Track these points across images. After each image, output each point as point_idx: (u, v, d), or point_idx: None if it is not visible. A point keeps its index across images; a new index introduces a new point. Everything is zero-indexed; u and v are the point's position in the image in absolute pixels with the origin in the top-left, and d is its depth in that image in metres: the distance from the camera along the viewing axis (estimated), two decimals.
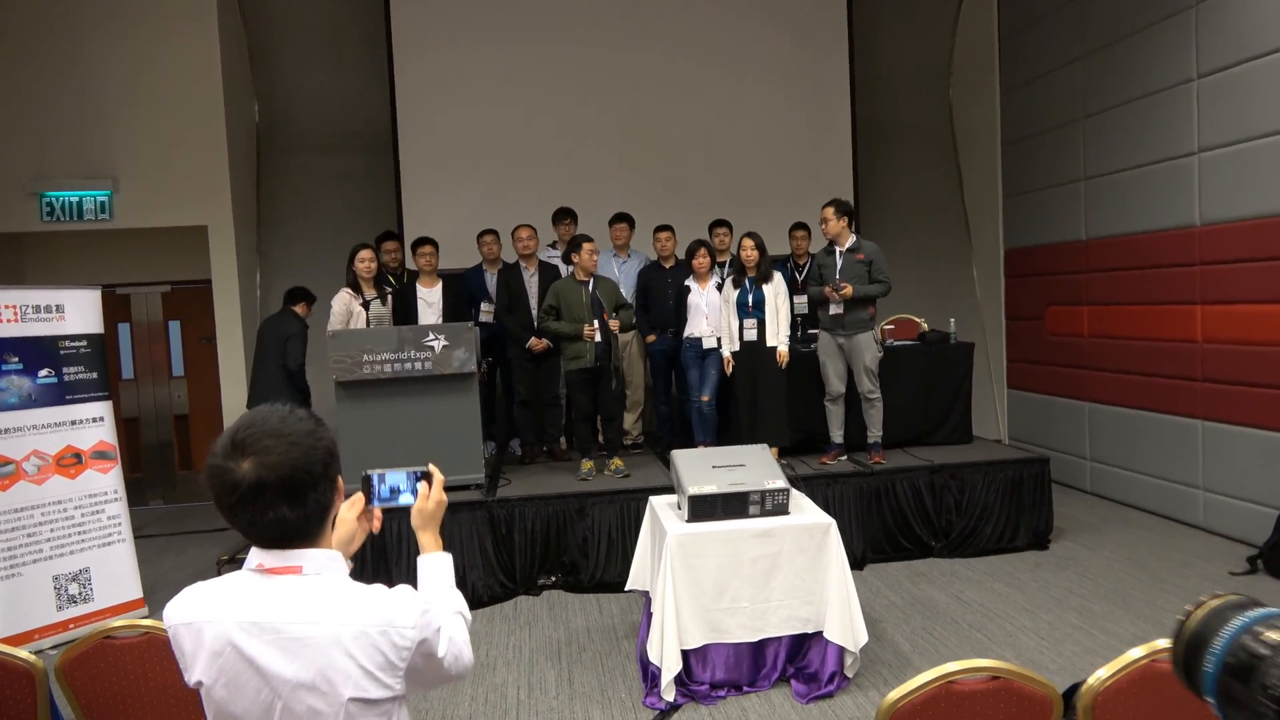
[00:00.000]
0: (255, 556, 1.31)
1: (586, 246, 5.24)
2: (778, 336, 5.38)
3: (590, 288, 5.26)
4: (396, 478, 1.51)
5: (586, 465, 5.36)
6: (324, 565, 1.31)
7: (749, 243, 5.39)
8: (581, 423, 5.41)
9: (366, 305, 5.33)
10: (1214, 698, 0.69)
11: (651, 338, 6.06)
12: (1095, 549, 5.41)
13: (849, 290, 5.24)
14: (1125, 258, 6.18)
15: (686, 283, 5.71)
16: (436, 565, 1.52)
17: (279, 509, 1.24)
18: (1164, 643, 1.83)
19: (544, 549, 4.99)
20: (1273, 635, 0.67)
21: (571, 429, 5.94)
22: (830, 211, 5.35)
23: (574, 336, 5.19)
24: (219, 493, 1.24)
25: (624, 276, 6.20)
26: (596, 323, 5.16)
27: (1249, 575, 4.77)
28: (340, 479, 1.34)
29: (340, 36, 7.57)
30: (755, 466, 3.82)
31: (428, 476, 1.54)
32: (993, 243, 7.89)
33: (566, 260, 5.46)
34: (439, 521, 1.55)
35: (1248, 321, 5.18)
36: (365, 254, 5.40)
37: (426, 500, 1.53)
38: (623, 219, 6.34)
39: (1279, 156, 4.89)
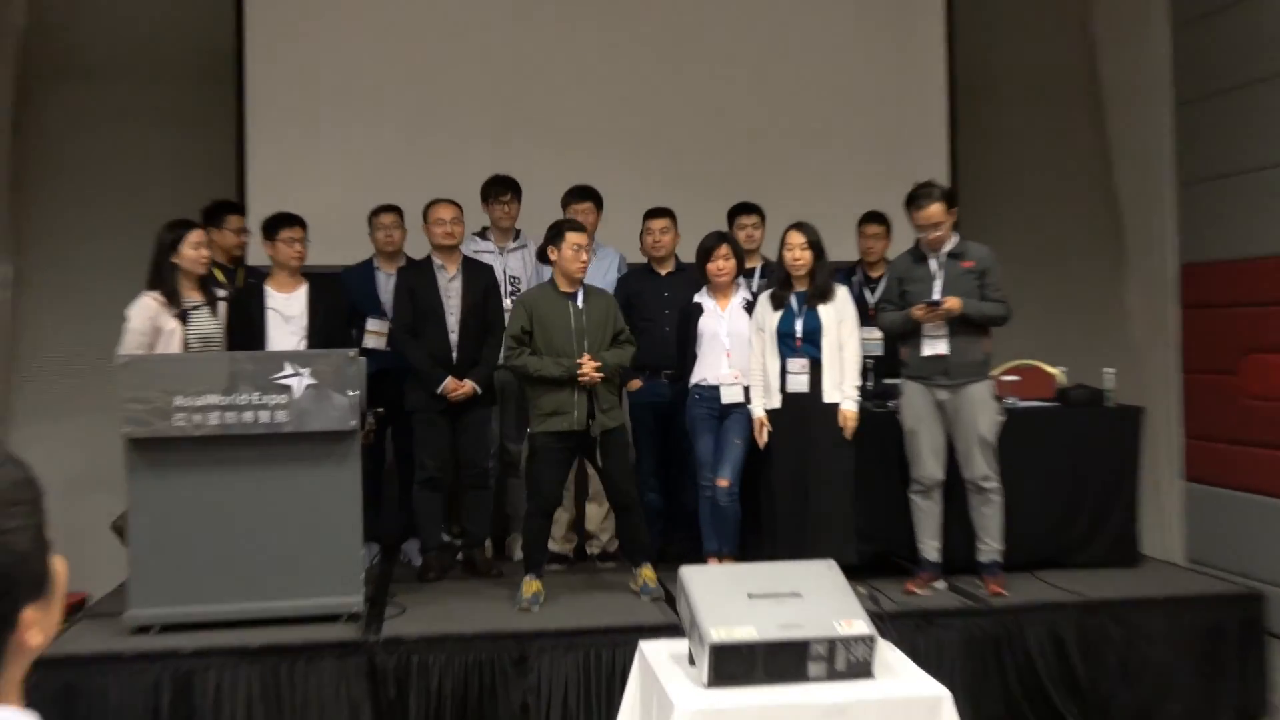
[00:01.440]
0: None
1: (572, 238, 5.40)
2: (841, 387, 5.42)
3: (579, 303, 5.40)
4: None
5: (532, 587, 5.39)
6: None
7: (797, 239, 5.44)
8: (539, 519, 5.54)
9: (184, 317, 5.32)
10: None
11: (635, 384, 6.10)
12: None
13: (955, 304, 5.30)
14: None
15: (697, 298, 5.77)
16: None
17: None
18: None
19: None
20: None
21: (507, 526, 6.24)
22: (938, 208, 5.45)
23: (561, 380, 5.29)
24: None
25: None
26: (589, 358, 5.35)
27: None
28: (40, 598, 1.22)
29: None
30: (818, 597, 3.70)
31: None
32: (1159, 254, 7.76)
33: (543, 259, 5.67)
34: None
35: None
36: (196, 237, 5.41)
37: None
38: (586, 195, 6.40)
39: None
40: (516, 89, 7.45)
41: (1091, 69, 8.27)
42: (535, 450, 5.55)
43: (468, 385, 5.82)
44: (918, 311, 5.36)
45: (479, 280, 6.01)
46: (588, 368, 5.27)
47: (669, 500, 6.31)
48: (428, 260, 6.05)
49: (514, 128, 7.37)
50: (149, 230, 5.57)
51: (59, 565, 1.26)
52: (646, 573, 5.51)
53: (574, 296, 5.43)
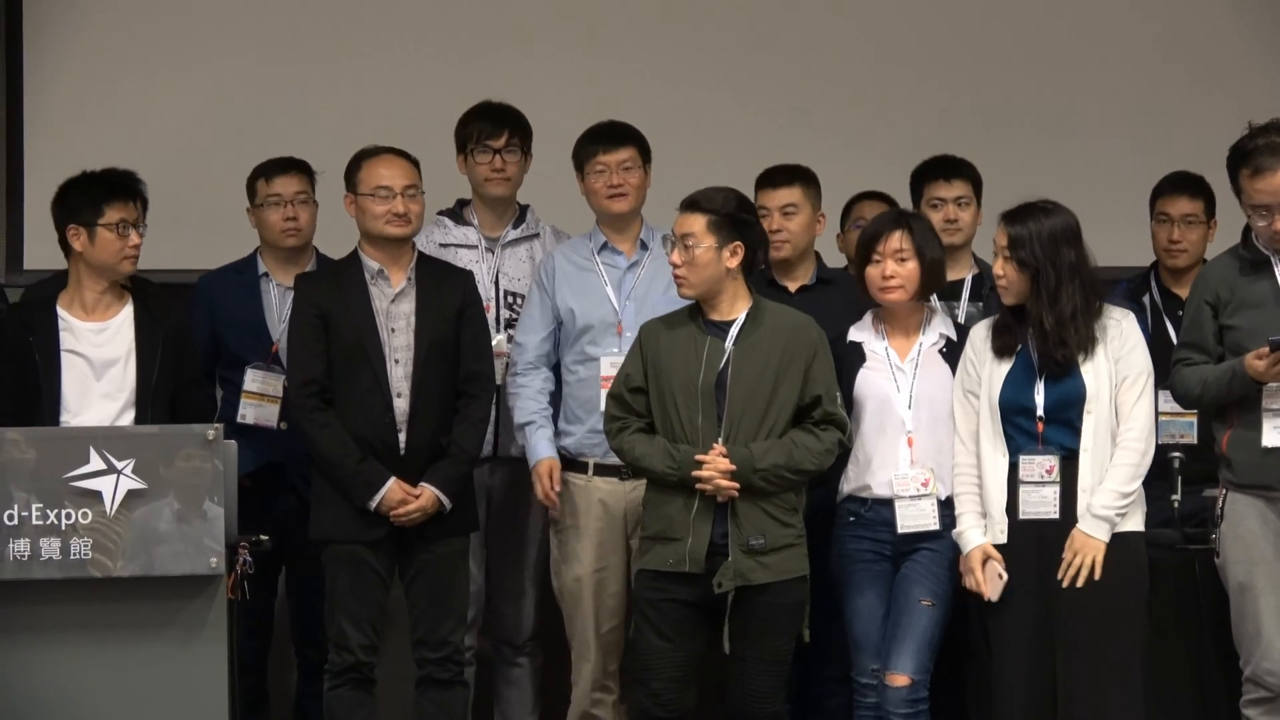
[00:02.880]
0: None
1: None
2: (1098, 493, 4.97)
3: (730, 340, 5.01)
4: None
5: None
6: None
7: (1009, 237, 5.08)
8: None
9: None
10: None
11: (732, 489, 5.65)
12: None
13: None
14: None
15: (853, 335, 5.44)
16: None
17: None
18: None
19: None
20: None
21: None
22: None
23: (668, 481, 4.96)
24: None
25: (632, 306, 6.04)
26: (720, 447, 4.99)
27: None
28: None
29: None
30: None
31: None
32: None
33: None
34: None
35: None
36: None
37: None
38: (623, 138, 6.11)
39: None
40: None
41: None
42: (636, 604, 5.23)
43: (426, 494, 5.31)
44: (1257, 361, 4.74)
45: (446, 295, 5.57)
46: (712, 467, 4.77)
47: (798, 708, 5.84)
48: (354, 261, 5.62)
49: (484, 35, 7.49)
50: None
51: None
52: None
53: (723, 329, 4.98)
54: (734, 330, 4.98)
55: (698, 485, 4.83)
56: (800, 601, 5.05)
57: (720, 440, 4.89)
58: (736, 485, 4.83)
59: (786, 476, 4.97)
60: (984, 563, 4.91)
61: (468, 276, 5.73)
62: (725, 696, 5.25)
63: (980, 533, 4.94)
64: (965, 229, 5.94)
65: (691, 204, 5.08)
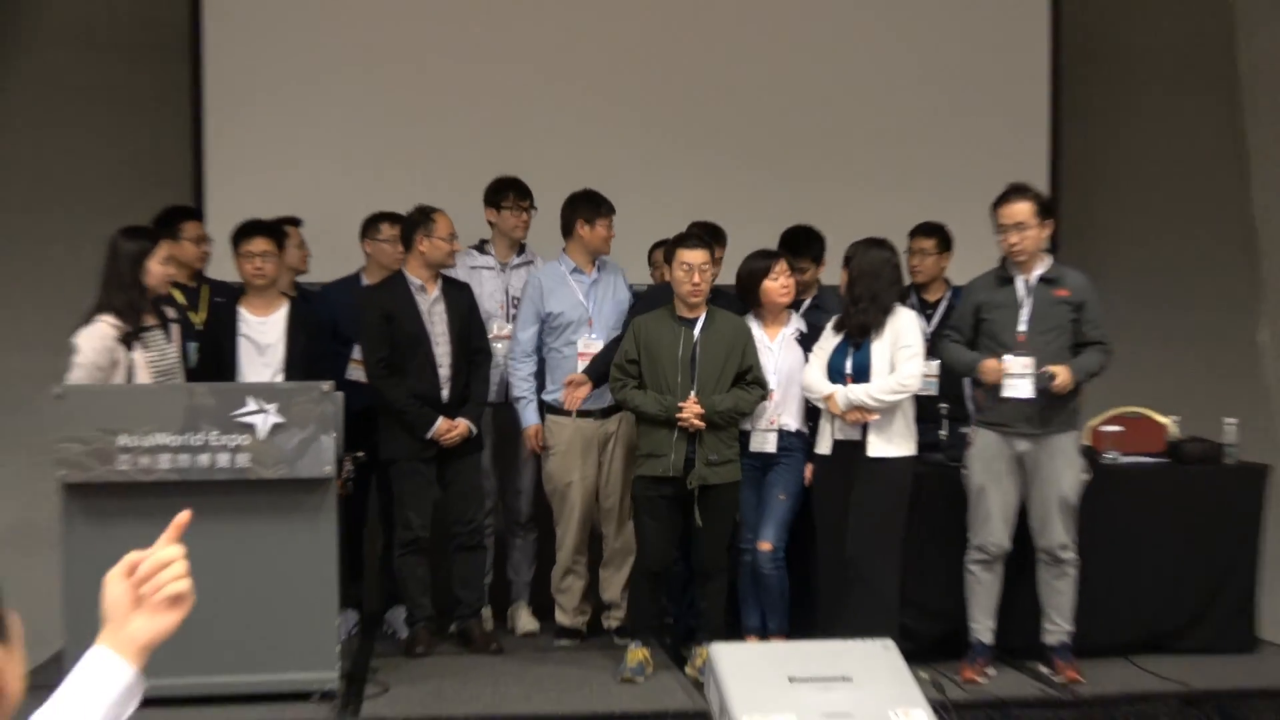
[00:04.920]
0: None
1: (686, 256, 5.65)
2: (869, 391, 5.53)
3: (696, 331, 5.65)
4: None
5: (636, 656, 5.67)
6: None
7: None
8: (646, 579, 5.90)
9: (135, 341, 5.31)
10: None
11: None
12: None
13: (1065, 380, 5.38)
14: None
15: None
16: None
17: None
18: None
19: None
20: None
21: (508, 592, 6.46)
22: (1025, 207, 5.50)
23: (659, 420, 5.61)
24: None
25: (594, 308, 6.46)
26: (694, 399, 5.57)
27: None
28: (10, 628, 1.40)
29: None
30: (871, 682, 3.87)
31: None
32: None
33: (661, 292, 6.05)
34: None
35: None
36: (165, 251, 5.47)
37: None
38: (608, 207, 6.50)
39: None
40: (515, 77, 7.59)
41: (1229, 48, 8.32)
42: (635, 498, 5.86)
43: (461, 425, 5.95)
44: (989, 374, 5.48)
45: (461, 301, 6.16)
46: (689, 411, 5.50)
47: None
48: (400, 279, 6.09)
49: (517, 116, 7.53)
50: (89, 238, 5.64)
51: (13, 615, 1.42)
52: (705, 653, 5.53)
53: (691, 323, 5.68)
54: (699, 325, 5.66)
55: (679, 422, 5.51)
56: (735, 497, 5.73)
57: (694, 393, 5.56)
58: (703, 423, 5.51)
59: (733, 417, 5.65)
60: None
61: (467, 288, 6.29)
62: (691, 556, 5.89)
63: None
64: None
65: (703, 243, 5.69)
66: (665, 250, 6.04)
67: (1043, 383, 5.38)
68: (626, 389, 5.67)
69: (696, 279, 5.60)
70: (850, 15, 7.91)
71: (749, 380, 5.68)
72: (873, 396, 5.44)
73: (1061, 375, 5.35)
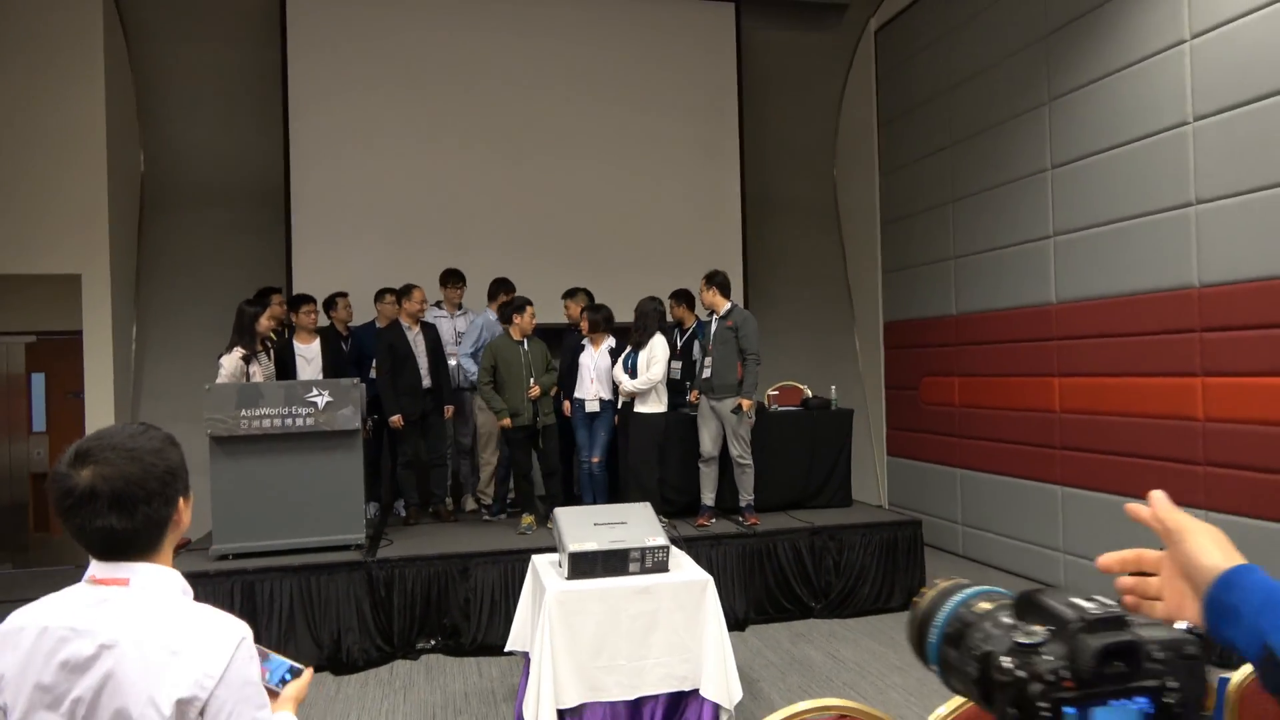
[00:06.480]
0: (91, 568, 1.35)
1: (529, 310, 5.54)
2: (629, 386, 5.51)
3: (525, 347, 5.52)
4: (277, 663, 1.47)
5: (526, 520, 5.54)
6: (154, 581, 1.34)
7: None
8: (521, 479, 5.65)
9: (253, 360, 5.22)
10: (937, 665, 0.78)
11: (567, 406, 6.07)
12: None
13: (749, 405, 5.40)
14: (991, 332, 6.55)
15: (584, 346, 5.90)
16: None
17: (107, 518, 1.29)
18: None
19: (424, 611, 4.91)
20: (983, 605, 0.76)
21: (460, 490, 6.28)
22: (702, 283, 5.57)
23: (513, 408, 5.43)
24: (55, 498, 1.30)
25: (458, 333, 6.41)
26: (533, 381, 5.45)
27: None
28: (185, 500, 1.39)
29: (232, 87, 7.43)
30: (637, 524, 3.87)
31: (298, 672, 1.50)
32: (873, 314, 8.25)
33: (505, 319, 5.66)
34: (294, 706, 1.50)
35: (1099, 392, 5.51)
36: (271, 312, 5.40)
37: (295, 690, 1.48)
38: (512, 288, 6.38)
39: (1125, 241, 5.29)
40: (466, 206, 7.41)
41: (834, 197, 8.66)
42: (508, 438, 5.61)
43: (397, 419, 5.72)
44: (692, 398, 5.61)
45: (431, 335, 5.98)
46: (533, 391, 5.42)
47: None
48: (397, 324, 5.88)
49: (460, 233, 7.33)
50: (227, 303, 5.63)
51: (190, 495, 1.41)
52: (528, 519, 5.56)
53: (523, 344, 5.51)
54: (525, 344, 5.48)
55: (530, 396, 5.40)
56: (556, 433, 5.58)
57: (533, 379, 5.43)
58: (538, 393, 5.40)
59: (552, 385, 5.59)
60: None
61: (434, 326, 6.05)
62: (540, 464, 5.60)
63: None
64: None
65: (529, 301, 5.54)
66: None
67: (734, 406, 5.35)
68: (488, 388, 5.46)
69: (528, 321, 5.51)
70: (617, 176, 7.79)
71: (549, 369, 5.59)
72: (635, 386, 5.45)
73: (745, 403, 5.34)
